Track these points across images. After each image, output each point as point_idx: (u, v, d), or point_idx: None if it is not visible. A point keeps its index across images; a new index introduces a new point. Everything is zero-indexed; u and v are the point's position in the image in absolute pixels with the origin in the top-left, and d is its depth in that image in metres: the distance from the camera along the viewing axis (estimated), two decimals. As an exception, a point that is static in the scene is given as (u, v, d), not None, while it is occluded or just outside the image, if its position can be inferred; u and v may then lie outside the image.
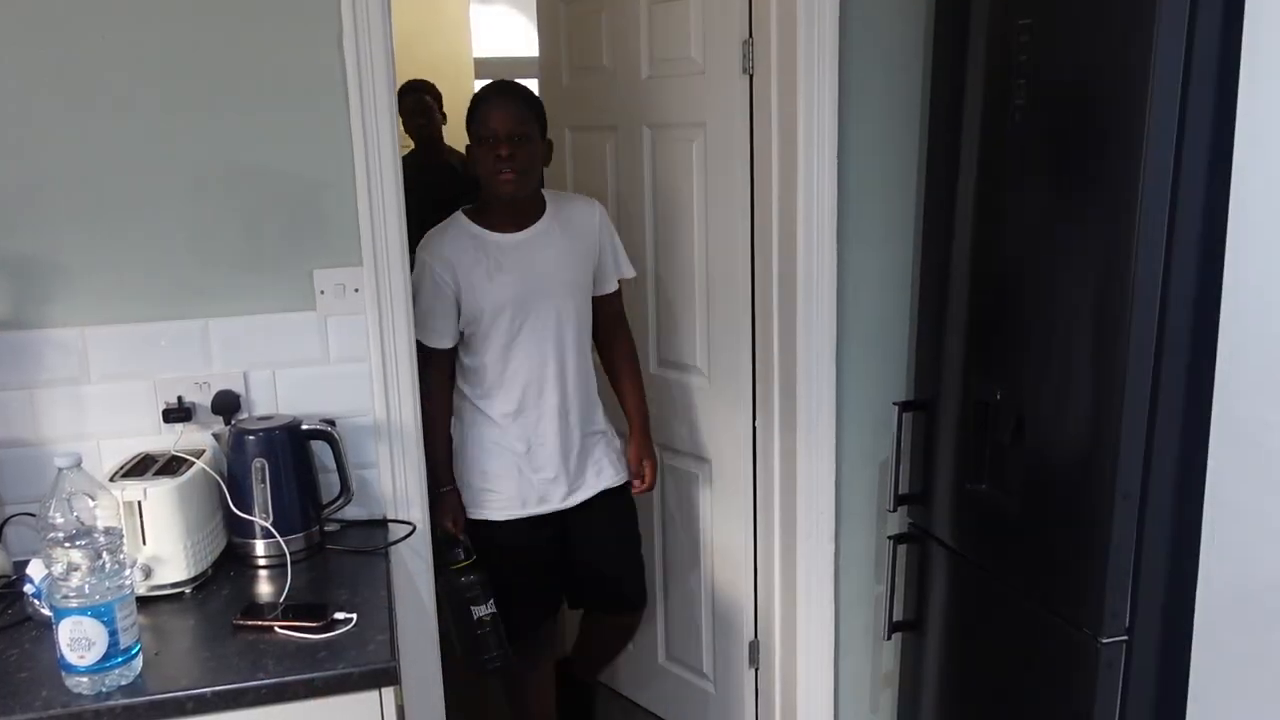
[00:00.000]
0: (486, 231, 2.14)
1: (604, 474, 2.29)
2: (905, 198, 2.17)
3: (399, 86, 3.89)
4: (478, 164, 2.11)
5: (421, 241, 2.12)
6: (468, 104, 2.19)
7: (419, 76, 4.05)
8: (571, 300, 2.17)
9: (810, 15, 2.01)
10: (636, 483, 2.37)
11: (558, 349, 2.16)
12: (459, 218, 2.17)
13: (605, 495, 2.30)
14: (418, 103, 3.94)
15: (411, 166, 3.83)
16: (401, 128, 3.83)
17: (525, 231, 2.15)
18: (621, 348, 2.38)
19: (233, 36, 1.79)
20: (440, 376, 2.18)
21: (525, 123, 2.09)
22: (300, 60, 1.83)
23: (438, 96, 4.08)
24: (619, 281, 2.33)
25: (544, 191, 2.22)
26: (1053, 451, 1.76)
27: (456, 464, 2.22)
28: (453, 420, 2.23)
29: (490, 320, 2.11)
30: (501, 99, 2.11)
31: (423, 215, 2.86)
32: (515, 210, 2.15)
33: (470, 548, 2.20)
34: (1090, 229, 1.64)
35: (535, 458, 2.20)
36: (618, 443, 2.35)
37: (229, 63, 1.80)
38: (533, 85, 4.37)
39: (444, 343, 2.15)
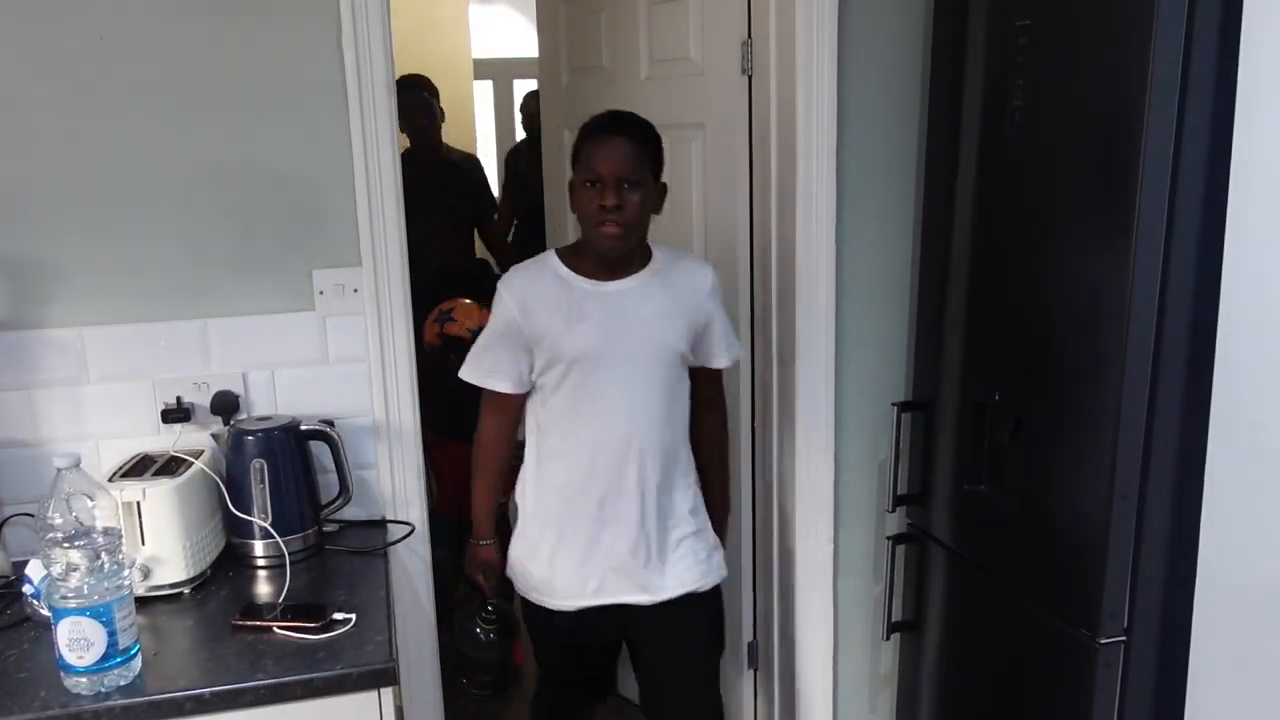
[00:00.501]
0: (576, 276, 1.84)
1: (686, 576, 1.92)
2: (904, 198, 2.17)
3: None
4: (577, 206, 1.81)
5: (504, 275, 1.90)
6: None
7: (415, 73, 3.84)
8: (659, 369, 1.86)
9: (809, 16, 2.02)
10: None
11: (636, 420, 1.84)
12: (549, 256, 1.89)
13: (685, 599, 1.94)
14: (419, 101, 3.74)
15: (409, 166, 3.74)
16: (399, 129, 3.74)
17: (619, 281, 1.85)
18: (710, 433, 2.03)
19: (232, 37, 1.80)
20: (496, 423, 1.93)
21: (639, 167, 1.78)
22: (300, 60, 1.83)
23: (435, 93, 3.90)
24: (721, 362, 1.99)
25: (651, 244, 1.90)
26: (1051, 452, 1.77)
27: (518, 534, 1.96)
28: (519, 484, 1.97)
29: (561, 374, 1.83)
30: (614, 138, 1.78)
31: (425, 217, 2.84)
32: (617, 260, 1.85)
33: (502, 610, 2.02)
34: (1089, 229, 1.64)
35: (597, 544, 1.88)
36: (711, 538, 1.99)
37: (228, 63, 1.80)
38: (531, 86, 4.34)
39: (499, 384, 1.86)
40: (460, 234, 2.97)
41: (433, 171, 3.72)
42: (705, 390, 1.99)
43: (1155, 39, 1.49)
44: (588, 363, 1.82)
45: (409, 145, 3.82)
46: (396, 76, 1.91)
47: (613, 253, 1.81)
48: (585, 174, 1.79)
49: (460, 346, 2.76)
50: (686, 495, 1.94)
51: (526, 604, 1.98)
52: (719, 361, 1.96)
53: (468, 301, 2.89)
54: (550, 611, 1.93)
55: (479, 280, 3.08)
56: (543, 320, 1.82)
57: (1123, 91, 1.55)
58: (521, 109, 4.71)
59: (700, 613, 1.97)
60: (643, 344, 1.84)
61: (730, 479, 2.13)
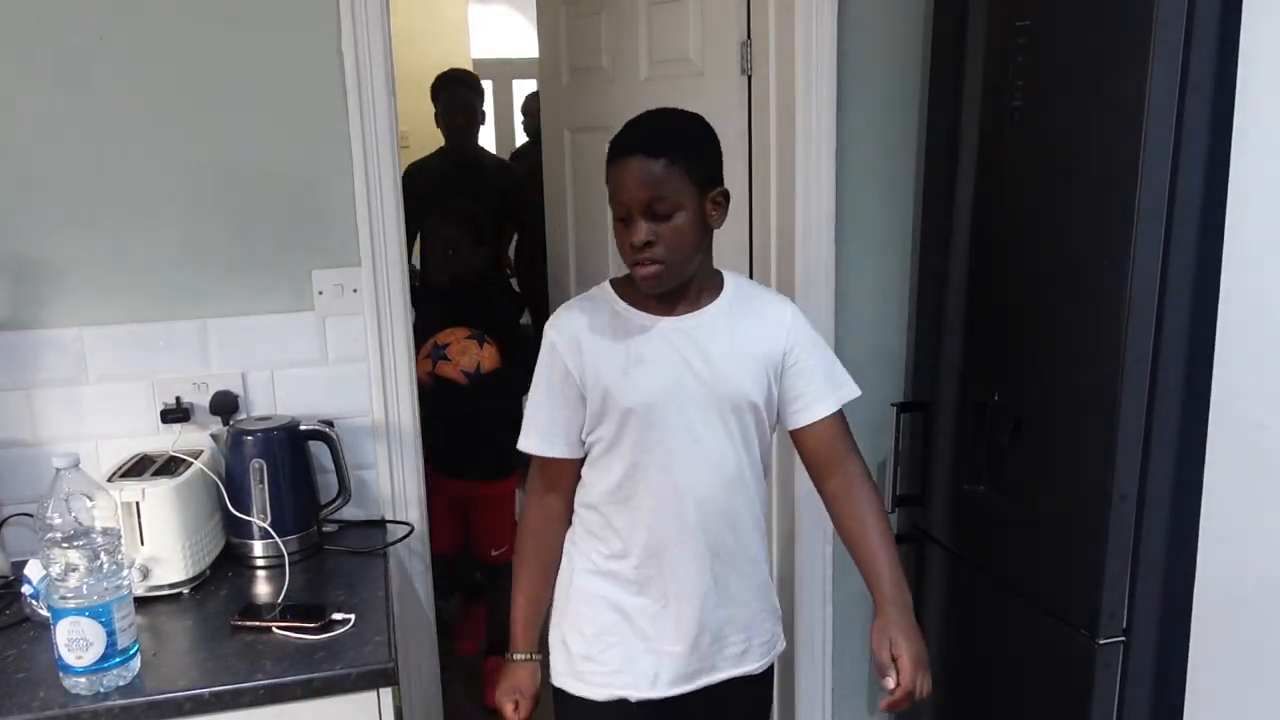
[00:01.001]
0: (633, 310, 1.55)
1: (746, 657, 1.64)
2: (904, 199, 2.17)
3: (436, 77, 3.57)
4: (616, 242, 1.52)
5: (552, 315, 1.61)
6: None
7: (462, 69, 3.73)
8: (730, 421, 1.54)
9: (809, 16, 2.02)
10: (887, 681, 1.43)
11: (702, 481, 1.54)
12: (604, 290, 1.60)
13: (738, 682, 1.65)
14: (462, 99, 3.58)
15: (443, 167, 3.61)
16: (435, 122, 3.56)
17: (684, 316, 1.54)
18: (849, 485, 1.59)
19: (232, 37, 1.80)
20: (546, 501, 1.63)
21: (671, 187, 1.44)
22: (299, 61, 1.83)
23: (480, 92, 3.64)
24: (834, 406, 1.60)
25: (725, 272, 1.60)
26: (1051, 452, 1.77)
27: (556, 614, 1.65)
28: (563, 559, 1.66)
29: (614, 429, 1.53)
30: (631, 159, 1.44)
31: (439, 222, 2.78)
32: (677, 290, 1.54)
33: None
34: (1088, 230, 1.64)
35: (659, 625, 1.58)
36: (775, 610, 1.70)
37: (228, 63, 1.80)
38: (531, 86, 4.32)
39: (548, 448, 1.58)
40: (478, 244, 2.78)
41: (459, 174, 3.51)
42: (820, 449, 1.60)
43: (1155, 39, 1.49)
44: (645, 415, 1.52)
45: (442, 146, 3.64)
46: (396, 77, 1.90)
47: (654, 292, 1.52)
48: (615, 208, 1.49)
49: (451, 391, 2.54)
50: (759, 569, 1.65)
51: (560, 696, 1.65)
52: (821, 411, 1.58)
53: (466, 336, 2.62)
54: (592, 704, 1.61)
55: (492, 296, 2.89)
56: (597, 366, 1.53)
57: (1122, 92, 1.55)
58: (523, 110, 4.63)
59: (754, 698, 1.72)
60: (710, 391, 1.52)
61: (890, 536, 1.58)
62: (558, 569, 1.65)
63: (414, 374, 1.98)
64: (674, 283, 1.51)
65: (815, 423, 1.59)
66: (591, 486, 1.59)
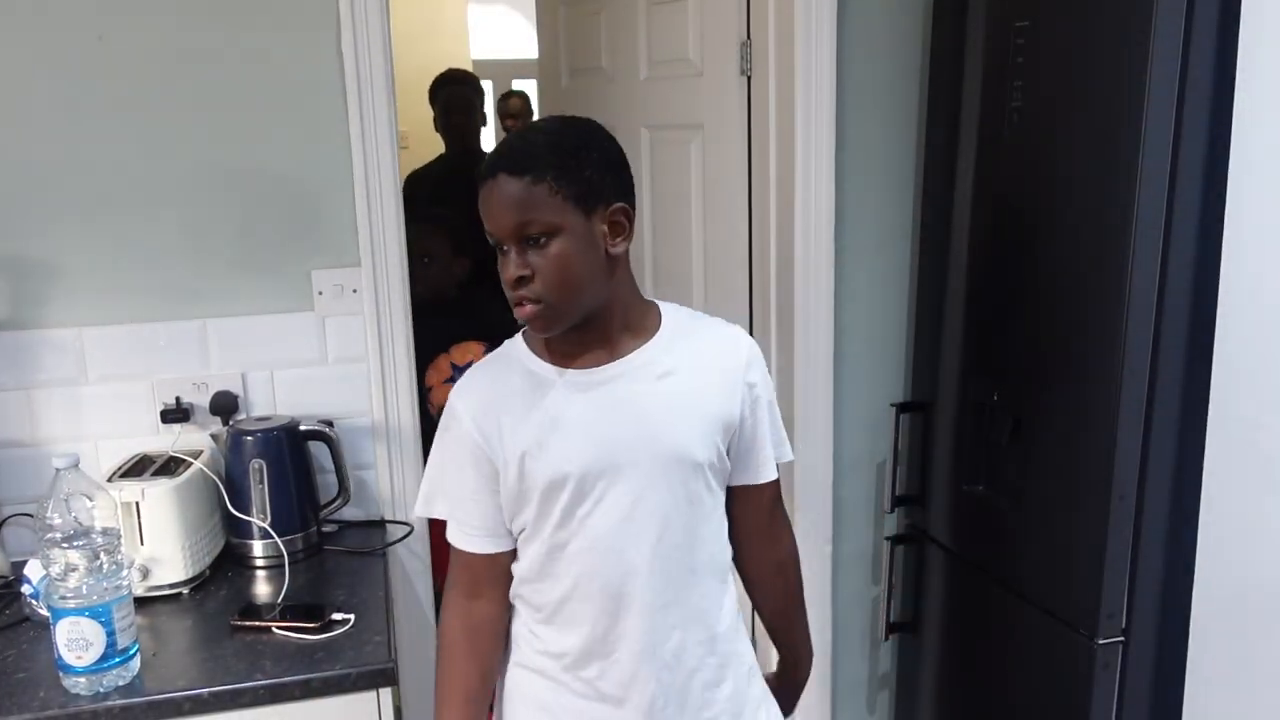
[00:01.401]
0: (546, 365, 1.30)
1: None
2: (903, 199, 2.17)
3: (434, 78, 3.52)
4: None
5: (458, 382, 1.36)
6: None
7: (460, 69, 3.68)
8: (676, 487, 1.29)
9: (808, 17, 2.02)
10: None
11: (646, 563, 1.27)
12: (515, 346, 1.34)
13: None
14: (459, 97, 3.51)
15: (444, 174, 3.56)
16: (434, 126, 3.53)
17: (606, 366, 1.29)
18: (784, 573, 1.47)
19: (231, 37, 1.80)
20: (471, 609, 1.35)
21: (540, 209, 1.19)
22: (299, 61, 1.83)
23: (480, 91, 3.58)
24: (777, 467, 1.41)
25: (662, 305, 1.36)
26: (1049, 453, 1.77)
27: (494, 709, 1.41)
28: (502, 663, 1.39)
29: (540, 508, 1.28)
30: (494, 181, 1.21)
31: (419, 229, 2.72)
32: (592, 335, 1.29)
33: None
34: (1087, 230, 1.65)
35: None
36: (770, 709, 1.45)
37: (228, 63, 1.80)
38: (530, 86, 4.27)
39: (473, 542, 1.33)
40: (454, 254, 2.65)
41: (461, 180, 3.41)
42: (755, 514, 1.41)
43: (1154, 39, 1.49)
44: (571, 491, 1.26)
45: (443, 151, 3.57)
46: (396, 77, 1.90)
47: (543, 335, 1.28)
48: (489, 239, 1.25)
49: None
50: (731, 652, 1.37)
51: None
52: (764, 474, 1.38)
53: (484, 351, 2.38)
54: None
55: (482, 298, 2.84)
56: (512, 439, 1.27)
57: (1122, 91, 1.55)
58: (500, 111, 4.40)
59: None
60: (648, 454, 1.27)
61: (806, 618, 1.52)
62: (490, 693, 1.38)
63: (414, 374, 1.98)
64: (566, 323, 1.25)
65: (760, 485, 1.39)
66: (527, 575, 1.34)
